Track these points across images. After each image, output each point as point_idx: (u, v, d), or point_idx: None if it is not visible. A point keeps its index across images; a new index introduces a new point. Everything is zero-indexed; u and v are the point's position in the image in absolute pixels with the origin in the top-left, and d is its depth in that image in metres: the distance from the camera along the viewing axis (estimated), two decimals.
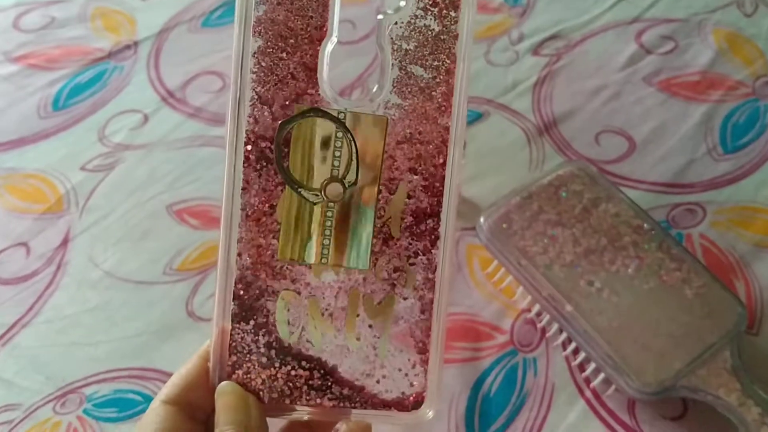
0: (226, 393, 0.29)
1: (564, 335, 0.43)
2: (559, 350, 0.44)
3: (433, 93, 0.29)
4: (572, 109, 0.57)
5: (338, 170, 0.29)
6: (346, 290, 0.30)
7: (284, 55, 0.29)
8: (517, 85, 0.59)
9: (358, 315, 0.30)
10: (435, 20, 0.29)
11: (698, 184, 0.52)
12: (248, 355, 0.30)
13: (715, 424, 0.40)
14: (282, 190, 0.29)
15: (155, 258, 0.49)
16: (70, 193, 0.53)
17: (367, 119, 0.29)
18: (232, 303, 0.29)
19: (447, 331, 0.45)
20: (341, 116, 0.29)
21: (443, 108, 0.30)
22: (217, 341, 0.29)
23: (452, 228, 0.30)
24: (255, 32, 0.29)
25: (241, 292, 0.29)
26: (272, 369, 0.30)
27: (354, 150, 0.29)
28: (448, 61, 0.29)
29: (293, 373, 0.30)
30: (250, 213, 0.29)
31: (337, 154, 0.29)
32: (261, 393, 0.30)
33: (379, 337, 0.30)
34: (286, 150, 0.29)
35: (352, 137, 0.29)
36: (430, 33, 0.29)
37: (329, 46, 0.29)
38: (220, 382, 0.29)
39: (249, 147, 0.29)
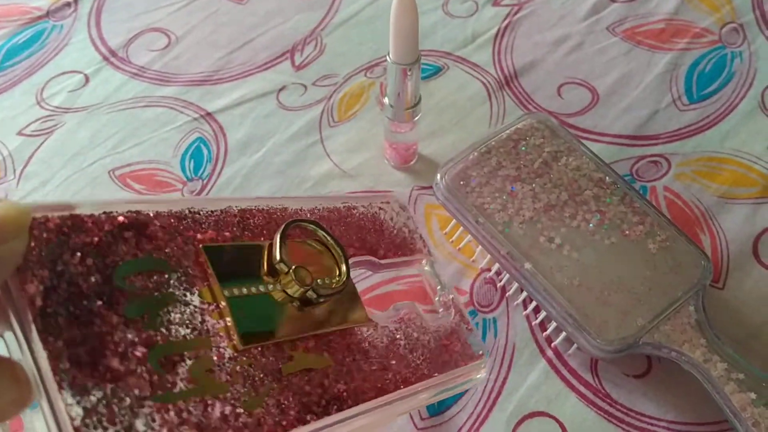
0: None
1: (524, 294, 0.41)
2: (519, 310, 0.42)
3: None
4: (534, 60, 0.55)
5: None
6: None
7: None
8: (477, 37, 0.57)
9: None
10: None
11: (663, 135, 0.50)
12: None
13: (680, 381, 0.38)
14: None
15: None
16: (6, 160, 0.50)
17: None
18: None
19: (403, 293, 0.43)
20: None
21: None
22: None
23: None
24: None
25: None
26: None
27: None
28: None
29: None
30: None
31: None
32: None
33: None
34: None
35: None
36: None
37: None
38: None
39: None
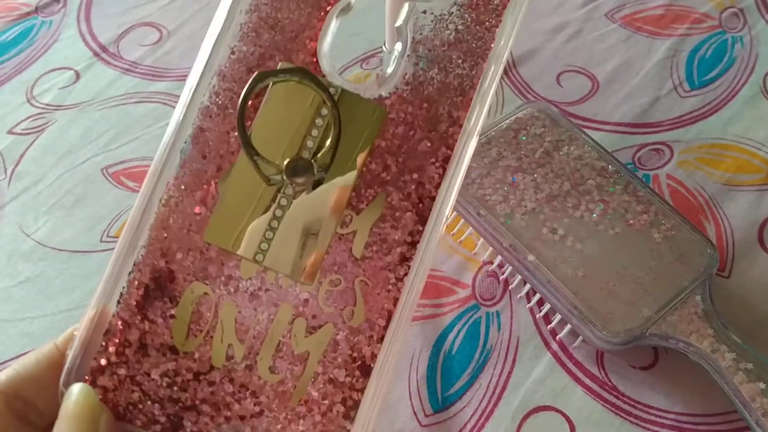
0: (75, 398, 0.22)
1: (527, 287, 0.41)
2: (523, 302, 0.41)
3: (446, 103, 0.25)
4: (532, 49, 0.54)
5: (310, 153, 0.24)
6: (276, 304, 0.24)
7: (282, 15, 0.25)
8: None
9: (281, 340, 0.24)
10: (470, 23, 0.25)
11: (664, 122, 0.49)
12: (122, 356, 0.23)
13: (688, 372, 0.38)
14: (235, 157, 0.24)
15: (91, 225, 0.46)
16: None
17: (364, 105, 0.24)
18: (127, 278, 0.24)
19: None
20: (333, 91, 0.24)
21: (454, 121, 0.25)
22: (88, 327, 0.23)
23: (427, 265, 0.24)
24: None
25: (142, 268, 0.24)
26: (147, 381, 0.23)
27: (336, 134, 0.24)
28: (472, 73, 0.25)
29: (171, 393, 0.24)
30: (188, 171, 0.24)
31: (314, 133, 0.24)
32: (122, 409, 0.23)
33: (299, 376, 0.24)
34: (253, 111, 0.24)
35: (339, 119, 0.24)
36: (461, 35, 0.25)
37: (339, 15, 0.25)
38: (73, 381, 0.23)
39: (211, 95, 0.24)
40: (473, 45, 0.25)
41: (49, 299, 0.43)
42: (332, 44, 0.25)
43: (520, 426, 0.37)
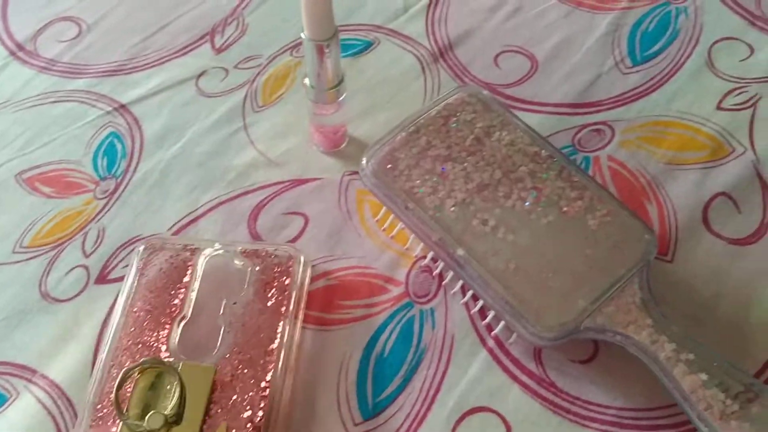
0: None
1: (461, 282, 0.39)
2: (458, 298, 0.39)
3: (260, 361, 0.36)
4: (469, 29, 0.52)
5: (165, 408, 0.34)
6: None
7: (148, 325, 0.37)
8: (410, 8, 0.53)
9: None
10: (266, 301, 0.38)
11: (605, 101, 0.47)
12: None
13: (629, 364, 0.36)
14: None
15: (3, 235, 0.43)
16: None
17: (198, 369, 0.35)
18: None
19: (334, 289, 0.40)
20: (176, 365, 0.35)
21: (266, 367, 0.36)
22: None
23: None
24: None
25: None
26: None
27: (180, 393, 0.34)
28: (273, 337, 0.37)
29: None
30: None
31: (168, 396, 0.34)
32: None
33: None
34: (128, 394, 0.35)
35: (182, 382, 0.34)
36: (259, 312, 0.38)
37: (182, 323, 0.37)
38: None
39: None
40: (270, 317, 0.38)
41: None
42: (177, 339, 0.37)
43: (454, 429, 0.36)
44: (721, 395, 0.33)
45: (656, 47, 0.50)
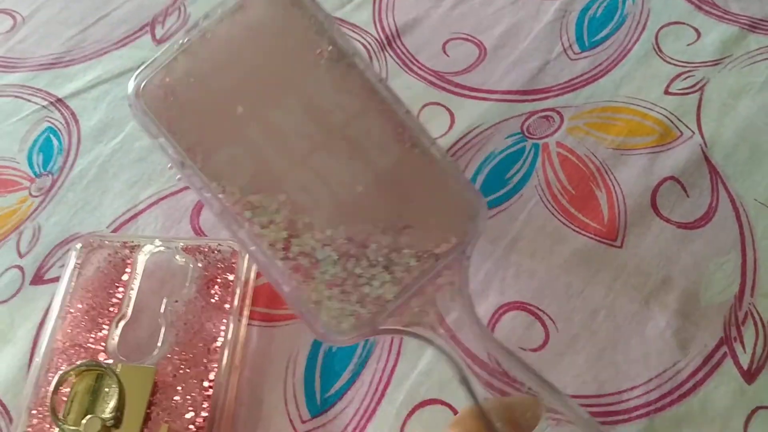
0: None
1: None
2: None
3: (203, 360, 0.35)
4: (417, 17, 0.51)
5: (103, 411, 0.33)
6: None
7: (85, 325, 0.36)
8: None
9: None
10: (209, 298, 0.37)
11: (554, 87, 0.47)
12: None
13: (578, 353, 0.36)
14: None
15: None
16: None
17: (138, 370, 0.34)
18: None
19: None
20: (114, 367, 0.34)
21: (209, 366, 0.35)
22: None
23: None
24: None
25: None
26: None
27: (119, 396, 0.33)
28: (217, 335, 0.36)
29: None
30: None
31: (108, 399, 0.33)
32: None
33: None
34: (64, 398, 0.34)
35: (120, 383, 0.33)
36: (202, 310, 0.37)
37: (121, 322, 0.36)
38: None
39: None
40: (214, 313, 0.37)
41: None
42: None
43: (404, 422, 0.35)
44: None
45: (604, 33, 0.50)
